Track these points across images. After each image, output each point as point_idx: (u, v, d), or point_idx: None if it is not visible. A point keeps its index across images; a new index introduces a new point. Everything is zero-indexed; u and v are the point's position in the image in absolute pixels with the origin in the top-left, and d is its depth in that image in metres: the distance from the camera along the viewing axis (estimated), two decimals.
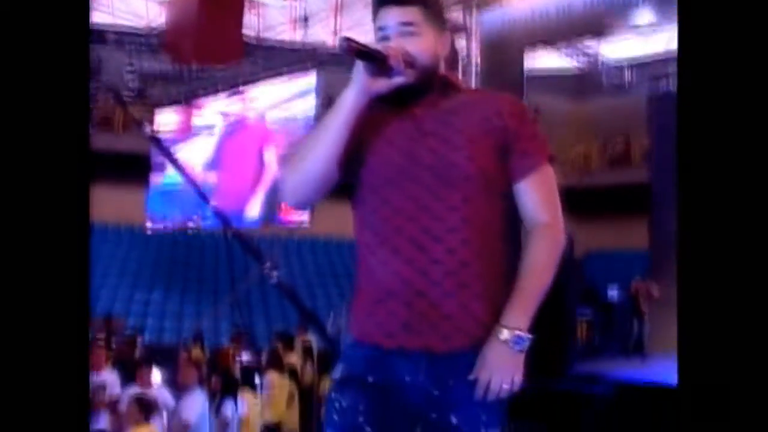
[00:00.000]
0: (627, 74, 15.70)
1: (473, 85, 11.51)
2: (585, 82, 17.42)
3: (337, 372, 1.92)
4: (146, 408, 5.63)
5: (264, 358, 9.25)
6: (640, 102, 15.83)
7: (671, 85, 14.19)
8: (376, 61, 1.78)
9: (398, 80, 1.82)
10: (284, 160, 1.92)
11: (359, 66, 1.81)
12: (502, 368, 1.80)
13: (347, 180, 1.92)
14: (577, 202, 19.81)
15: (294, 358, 9.73)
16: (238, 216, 13.88)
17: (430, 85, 1.89)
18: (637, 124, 16.92)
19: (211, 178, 15.04)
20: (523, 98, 12.02)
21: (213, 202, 9.92)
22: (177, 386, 6.64)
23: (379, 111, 1.89)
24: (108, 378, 6.92)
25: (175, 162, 11.47)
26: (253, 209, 14.69)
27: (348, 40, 1.75)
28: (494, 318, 1.83)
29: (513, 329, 1.81)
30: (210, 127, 15.47)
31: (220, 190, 14.87)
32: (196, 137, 15.61)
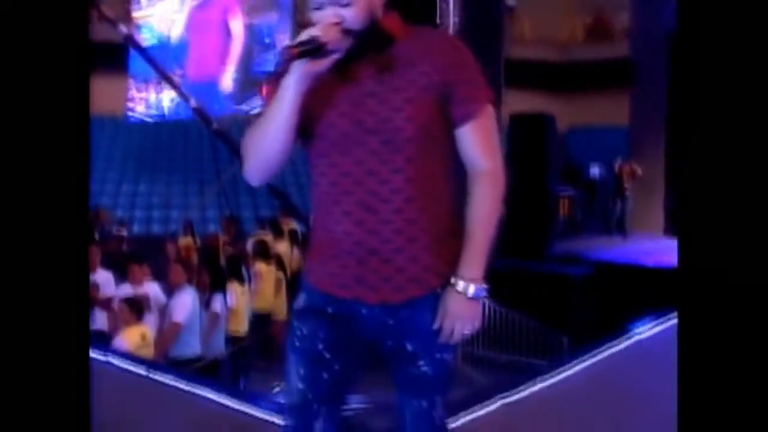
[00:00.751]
0: None
1: None
2: None
3: (299, 302, 2.04)
4: (137, 308, 5.78)
5: (250, 247, 9.40)
6: None
7: None
8: (315, 51, 1.79)
9: (337, 54, 1.84)
10: (242, 145, 1.95)
11: None
12: (462, 317, 1.94)
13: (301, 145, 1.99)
14: (559, 78, 19.70)
15: (281, 246, 9.87)
16: (212, 90, 13.89)
17: (368, 41, 1.89)
18: None
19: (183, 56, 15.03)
20: None
21: (193, 101, 9.83)
22: (167, 285, 6.75)
23: (322, 77, 1.90)
24: (101, 277, 7.02)
25: (151, 61, 11.28)
26: (226, 82, 14.76)
27: (287, 49, 1.79)
28: (445, 264, 1.95)
29: (469, 280, 1.93)
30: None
31: (192, 67, 14.83)
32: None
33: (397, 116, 1.87)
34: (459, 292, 1.93)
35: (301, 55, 1.79)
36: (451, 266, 1.95)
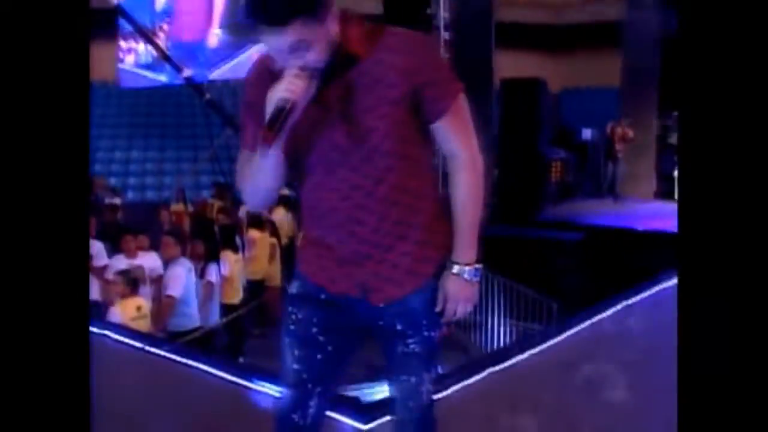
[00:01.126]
0: None
1: None
2: None
3: (293, 287, 2.13)
4: (132, 281, 5.83)
5: (243, 214, 9.40)
6: None
7: None
8: (288, 114, 1.82)
9: (307, 97, 1.85)
10: (237, 181, 2.04)
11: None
12: (463, 298, 2.05)
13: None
14: (552, 40, 19.54)
15: (276, 213, 9.89)
16: (202, 50, 13.86)
17: (333, 67, 1.89)
18: None
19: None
20: None
21: (185, 72, 9.82)
22: (161, 257, 6.77)
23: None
24: (93, 248, 6.99)
25: (142, 32, 11.17)
26: (213, 39, 14.74)
27: (265, 140, 1.83)
28: (437, 252, 2.04)
29: (465, 264, 2.04)
30: None
31: (180, 28, 14.78)
32: None
33: (373, 135, 1.90)
34: (457, 276, 2.03)
35: (280, 130, 1.82)
36: (442, 251, 2.04)
